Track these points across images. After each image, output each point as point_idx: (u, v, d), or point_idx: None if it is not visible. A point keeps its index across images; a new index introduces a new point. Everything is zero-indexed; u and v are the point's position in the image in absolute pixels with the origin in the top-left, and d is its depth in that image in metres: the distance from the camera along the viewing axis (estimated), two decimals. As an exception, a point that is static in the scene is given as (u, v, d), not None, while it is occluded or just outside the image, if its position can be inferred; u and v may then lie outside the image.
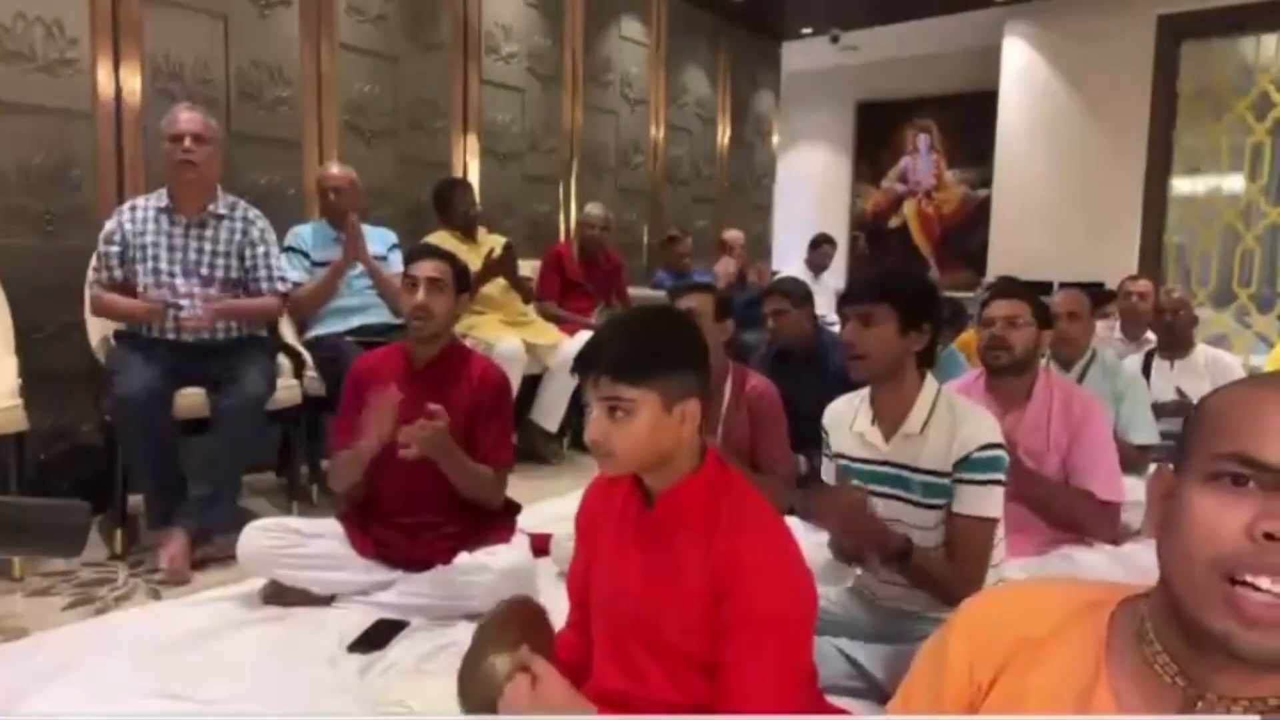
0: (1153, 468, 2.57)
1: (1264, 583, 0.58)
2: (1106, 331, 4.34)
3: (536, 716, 1.09)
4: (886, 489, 1.66)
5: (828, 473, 1.83)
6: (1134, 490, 2.25)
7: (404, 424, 2.03)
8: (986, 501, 1.58)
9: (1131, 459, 2.56)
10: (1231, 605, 0.59)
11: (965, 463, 1.57)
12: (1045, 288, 5.90)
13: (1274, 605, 0.58)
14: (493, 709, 1.13)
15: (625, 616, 1.23)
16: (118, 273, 2.57)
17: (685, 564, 1.17)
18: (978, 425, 1.60)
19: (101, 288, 2.58)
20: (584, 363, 1.18)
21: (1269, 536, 0.58)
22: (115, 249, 2.56)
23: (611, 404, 1.14)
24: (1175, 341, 3.54)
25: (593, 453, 1.19)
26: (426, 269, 2.09)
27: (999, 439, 1.60)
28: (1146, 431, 2.73)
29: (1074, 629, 0.72)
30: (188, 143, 2.53)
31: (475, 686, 1.16)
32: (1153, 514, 0.70)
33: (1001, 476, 1.59)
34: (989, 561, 1.61)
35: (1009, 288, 2.31)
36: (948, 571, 1.59)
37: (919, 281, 1.74)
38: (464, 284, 2.18)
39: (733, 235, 5.36)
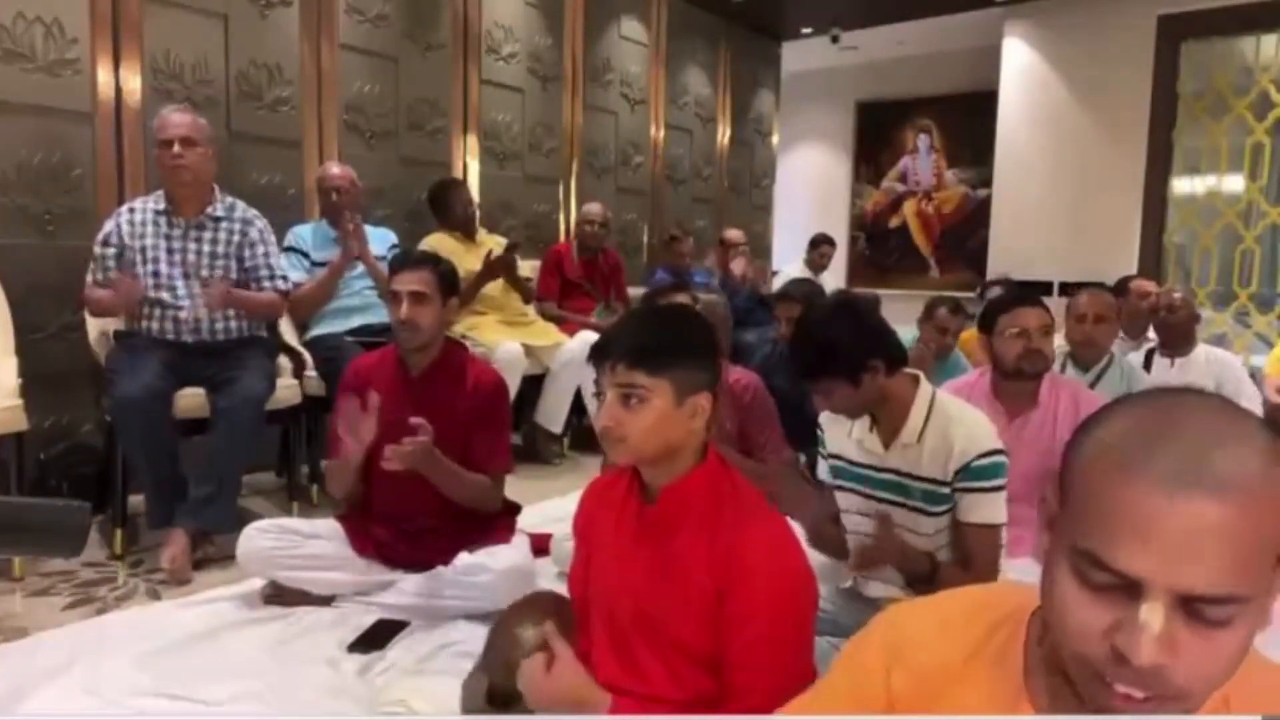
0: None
1: (1120, 688, 0.57)
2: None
3: (553, 704, 1.12)
4: (887, 495, 1.66)
5: (824, 472, 1.84)
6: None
7: (401, 430, 2.03)
8: (992, 508, 1.58)
9: None
10: (1099, 690, 0.59)
11: (966, 471, 1.57)
12: (1045, 288, 5.92)
13: (1132, 701, 0.58)
14: (514, 671, 1.16)
15: (626, 613, 1.23)
16: (113, 274, 2.56)
17: (687, 559, 1.18)
18: (975, 432, 1.59)
19: (95, 287, 2.57)
20: (602, 350, 1.21)
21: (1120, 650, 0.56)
22: (111, 250, 2.56)
23: (626, 391, 1.16)
24: (1174, 340, 3.55)
25: (602, 440, 1.20)
26: (409, 281, 2.05)
27: (998, 444, 1.59)
28: None
29: (990, 650, 0.72)
30: (176, 148, 2.52)
31: (501, 649, 1.17)
32: (1041, 536, 0.68)
33: (1003, 481, 1.59)
34: (999, 567, 1.61)
35: (1029, 294, 2.30)
36: (966, 582, 1.58)
37: (842, 335, 1.59)
38: (452, 289, 2.14)
39: (733, 234, 5.37)
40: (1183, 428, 0.58)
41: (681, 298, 2.45)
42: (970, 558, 1.60)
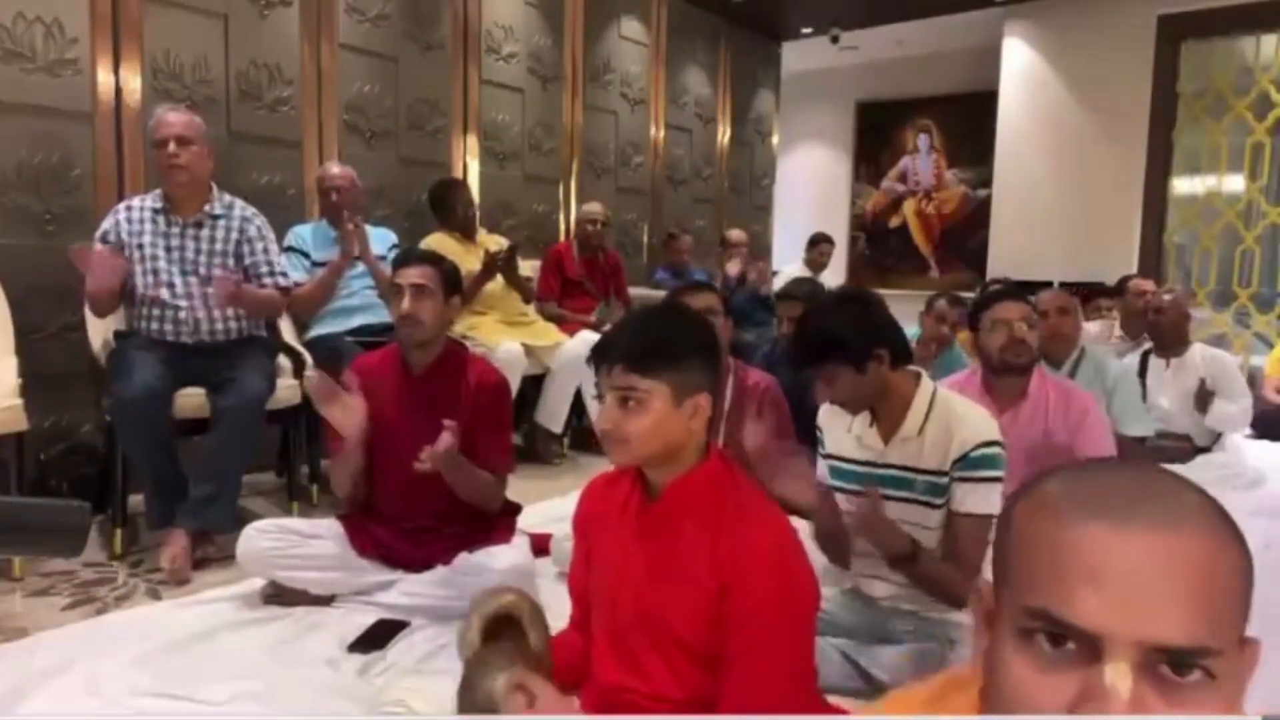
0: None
1: None
2: (1106, 330, 4.35)
3: None
4: (888, 490, 1.66)
5: (823, 472, 1.83)
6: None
7: (403, 429, 2.02)
8: (985, 498, 1.58)
9: (1131, 451, 2.59)
10: None
11: (963, 461, 1.58)
12: (1045, 288, 5.90)
13: None
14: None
15: (628, 609, 1.24)
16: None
17: (690, 555, 1.18)
18: (976, 424, 1.61)
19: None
20: (600, 353, 1.22)
21: None
22: (107, 248, 2.54)
23: (624, 394, 1.17)
24: (1166, 341, 3.54)
25: (603, 442, 1.21)
26: (412, 275, 2.06)
27: (997, 436, 1.60)
28: (1140, 423, 2.76)
29: None
30: (172, 147, 2.51)
31: (475, 709, 1.16)
32: (979, 638, 0.60)
33: (1000, 474, 1.59)
34: (985, 558, 1.61)
35: (1012, 289, 2.32)
36: (948, 570, 1.59)
37: (849, 322, 1.60)
38: (454, 287, 2.14)
39: (737, 235, 5.39)
40: (1116, 482, 0.55)
41: (707, 297, 2.42)
42: (957, 547, 1.60)
